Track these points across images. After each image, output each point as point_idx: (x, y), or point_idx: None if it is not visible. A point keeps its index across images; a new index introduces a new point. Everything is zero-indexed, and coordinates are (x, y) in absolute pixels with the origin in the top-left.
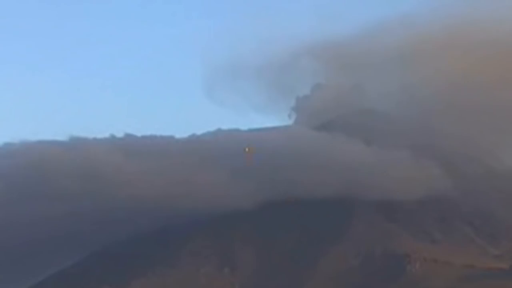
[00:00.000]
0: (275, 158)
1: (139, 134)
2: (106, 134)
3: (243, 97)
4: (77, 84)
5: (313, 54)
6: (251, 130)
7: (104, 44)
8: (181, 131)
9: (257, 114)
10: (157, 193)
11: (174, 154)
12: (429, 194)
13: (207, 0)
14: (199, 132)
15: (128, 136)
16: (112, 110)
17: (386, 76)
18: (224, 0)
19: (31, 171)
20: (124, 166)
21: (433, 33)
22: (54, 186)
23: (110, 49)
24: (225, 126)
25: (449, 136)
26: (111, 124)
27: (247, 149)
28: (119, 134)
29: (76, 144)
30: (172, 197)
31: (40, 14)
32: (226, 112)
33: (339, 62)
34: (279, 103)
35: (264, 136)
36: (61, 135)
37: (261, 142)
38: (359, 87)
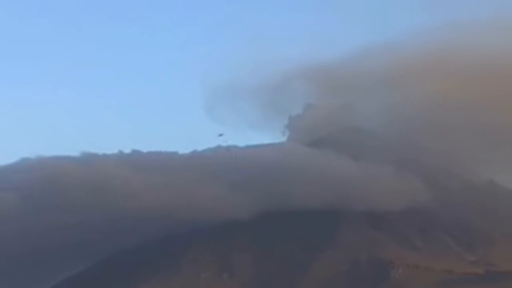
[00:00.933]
0: (270, 172)
1: (145, 150)
2: (114, 150)
3: (241, 116)
4: (88, 104)
5: (305, 76)
6: (248, 147)
7: (113, 68)
8: (183, 148)
9: (253, 132)
10: (161, 205)
11: (177, 168)
12: (412, 206)
13: (207, 27)
14: (200, 148)
15: (135, 152)
16: (121, 128)
17: (373, 97)
18: (223, 28)
19: (46, 184)
20: (131, 180)
21: (416, 58)
22: (67, 198)
23: (120, 73)
24: (224, 143)
25: (430, 153)
26: (120, 141)
27: None
28: (127, 150)
29: (87, 159)
30: (175, 208)
31: (56, 39)
32: (225, 130)
33: (329, 84)
34: (274, 121)
35: (260, 152)
36: (73, 151)
37: (257, 157)
38: (348, 107)
